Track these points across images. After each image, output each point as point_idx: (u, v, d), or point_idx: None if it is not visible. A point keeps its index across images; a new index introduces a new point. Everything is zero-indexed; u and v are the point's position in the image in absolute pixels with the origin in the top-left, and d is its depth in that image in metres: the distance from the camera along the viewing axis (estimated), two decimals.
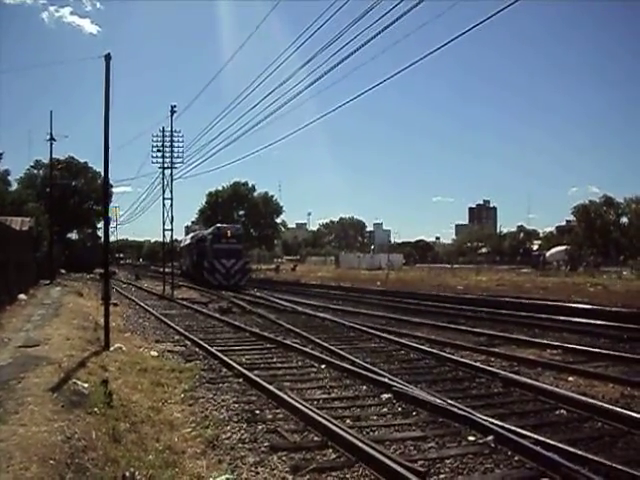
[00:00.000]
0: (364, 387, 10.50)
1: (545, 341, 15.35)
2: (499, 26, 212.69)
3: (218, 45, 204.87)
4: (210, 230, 47.00)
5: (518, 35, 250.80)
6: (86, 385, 8.48)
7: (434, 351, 13.75)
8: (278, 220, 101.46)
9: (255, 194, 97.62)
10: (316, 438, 7.52)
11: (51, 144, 43.92)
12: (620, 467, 6.08)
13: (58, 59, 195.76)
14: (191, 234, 62.76)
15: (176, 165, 41.48)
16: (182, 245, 63.66)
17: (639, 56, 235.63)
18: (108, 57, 14.58)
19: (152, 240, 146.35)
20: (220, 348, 14.58)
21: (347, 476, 6.37)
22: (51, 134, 43.27)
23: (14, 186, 66.61)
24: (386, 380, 10.40)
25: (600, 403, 8.72)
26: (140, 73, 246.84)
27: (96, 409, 7.52)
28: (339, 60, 17.18)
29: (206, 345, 14.90)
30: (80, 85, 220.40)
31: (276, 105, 23.70)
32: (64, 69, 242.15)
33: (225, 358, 12.95)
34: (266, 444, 7.31)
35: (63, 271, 51.70)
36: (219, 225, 47.04)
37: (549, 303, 24.21)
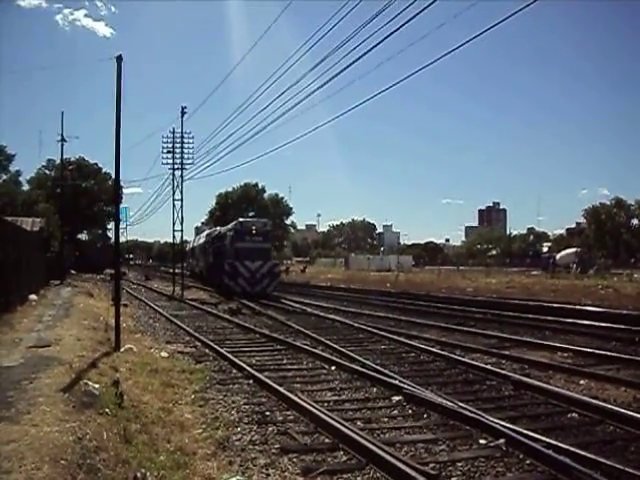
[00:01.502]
0: (374, 389, 10.49)
1: (556, 344, 15.29)
2: (509, 29, 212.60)
3: (229, 47, 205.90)
4: (231, 226, 37.69)
5: (527, 38, 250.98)
6: (97, 386, 8.49)
7: (444, 353, 13.72)
8: (288, 221, 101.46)
9: (265, 195, 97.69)
10: (327, 440, 7.52)
11: (62, 145, 44.20)
12: (632, 471, 6.06)
13: (71, 61, 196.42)
14: (206, 231, 55.67)
15: (186, 166, 41.57)
16: (194, 244, 59.62)
17: None
18: (119, 59, 14.58)
19: (162, 241, 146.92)
20: (230, 349, 14.58)
21: (358, 478, 6.36)
22: (62, 135, 43.54)
23: (25, 186, 67.08)
24: (396, 382, 10.38)
25: (612, 406, 8.69)
26: (152, 75, 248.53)
27: (107, 410, 7.53)
28: (350, 62, 17.10)
29: (216, 346, 14.92)
30: (92, 87, 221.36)
31: (286, 107, 23.62)
32: (76, 71, 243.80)
33: (235, 359, 12.96)
34: (277, 446, 7.31)
35: (73, 272, 51.80)
36: (242, 219, 38.03)
37: (559, 306, 24.10)
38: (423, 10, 13.16)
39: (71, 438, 6.06)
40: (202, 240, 51.85)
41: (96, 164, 75.21)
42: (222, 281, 35.47)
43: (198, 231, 77.21)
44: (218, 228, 47.65)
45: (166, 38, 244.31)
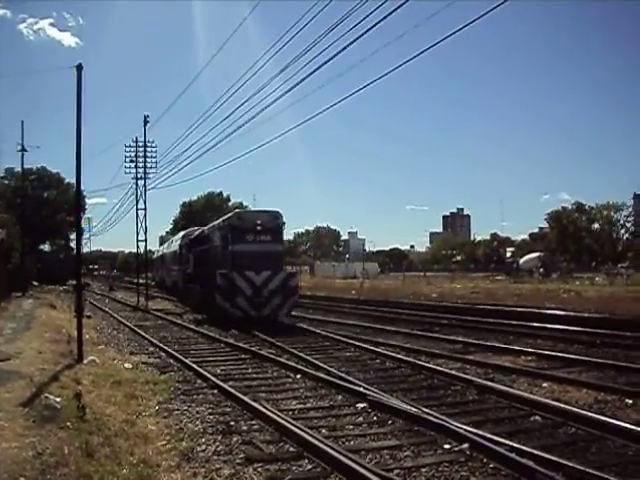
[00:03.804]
0: (339, 397, 10.46)
1: (519, 348, 15.47)
2: (478, 29, 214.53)
3: (196, 57, 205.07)
4: (222, 221, 26.22)
5: (498, 39, 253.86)
6: (58, 399, 8.37)
7: (409, 359, 13.79)
8: None
9: (229, 204, 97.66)
10: (292, 449, 7.48)
11: (22, 154, 43.79)
12: (593, 472, 6.12)
13: (34, 71, 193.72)
14: (180, 233, 46.32)
15: (149, 175, 41.21)
16: (163, 251, 52.82)
17: (612, 68, 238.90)
18: (80, 67, 14.46)
19: (126, 251, 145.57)
20: (195, 359, 14.48)
21: None
22: (22, 144, 43.11)
23: None
24: (361, 389, 10.36)
25: (574, 409, 8.79)
26: (117, 84, 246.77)
27: (69, 423, 7.42)
28: (316, 67, 17.05)
29: (181, 357, 14.78)
30: (55, 96, 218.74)
31: (252, 113, 23.43)
32: (37, 80, 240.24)
33: (200, 369, 12.85)
34: (241, 456, 7.25)
35: (35, 283, 51.13)
36: (241, 210, 28.20)
37: (523, 310, 24.41)
38: (391, 13, 13.20)
39: (30, 453, 5.97)
40: (175, 245, 43.73)
41: (58, 174, 74.41)
42: (212, 300, 24.25)
43: (162, 241, 76.27)
44: (195, 228, 38.75)
45: (132, 47, 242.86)
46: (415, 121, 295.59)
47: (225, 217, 26.21)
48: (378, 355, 14.85)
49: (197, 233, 33.87)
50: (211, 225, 29.98)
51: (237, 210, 26.84)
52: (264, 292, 22.67)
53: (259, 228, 23.45)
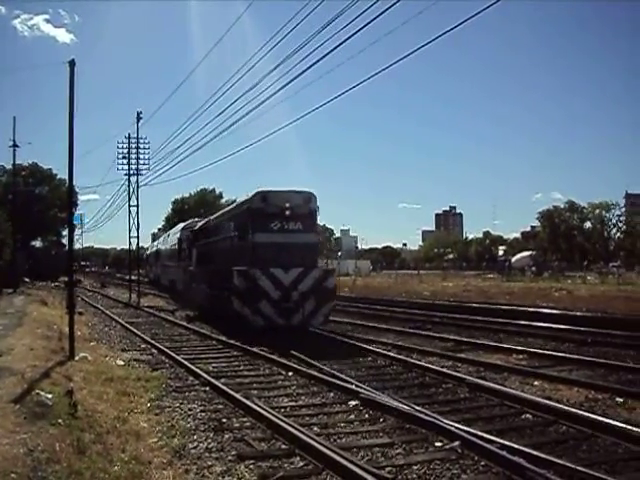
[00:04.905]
0: (331, 394, 10.47)
1: (511, 346, 15.50)
2: (467, 25, 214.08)
3: (192, 55, 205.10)
4: (241, 203, 22.00)
5: (488, 35, 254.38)
6: (50, 396, 8.34)
7: (401, 357, 13.81)
8: None
9: (223, 201, 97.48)
10: (283, 446, 7.48)
11: (14, 150, 43.71)
12: (584, 470, 6.15)
13: (28, 67, 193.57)
14: (180, 225, 42.37)
15: (142, 172, 41.11)
16: (159, 247, 51.36)
17: (604, 63, 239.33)
18: (72, 63, 14.41)
19: (118, 248, 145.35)
20: (187, 356, 14.47)
21: None
22: (14, 140, 43.03)
23: None
24: (353, 387, 10.39)
25: (565, 407, 8.83)
26: (112, 82, 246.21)
27: (60, 420, 7.39)
28: (311, 63, 16.91)
29: (172, 353, 14.77)
30: (48, 93, 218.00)
31: (246, 109, 23.15)
32: (30, 76, 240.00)
33: (192, 366, 12.84)
34: (233, 453, 7.25)
35: (27, 280, 50.91)
36: (264, 190, 19.60)
37: (515, 308, 24.47)
38: (386, 10, 13.16)
39: (22, 450, 5.95)
40: (173, 239, 40.82)
41: (50, 170, 74.09)
42: (226, 305, 20.11)
43: (154, 237, 75.96)
44: (200, 218, 34.75)
45: (127, 44, 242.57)
46: (407, 119, 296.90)
47: (243, 199, 21.61)
48: (370, 353, 14.87)
49: (202, 224, 29.38)
50: (221, 213, 25.81)
51: (260, 190, 19.79)
52: (294, 295, 18.17)
53: (288, 213, 18.81)
